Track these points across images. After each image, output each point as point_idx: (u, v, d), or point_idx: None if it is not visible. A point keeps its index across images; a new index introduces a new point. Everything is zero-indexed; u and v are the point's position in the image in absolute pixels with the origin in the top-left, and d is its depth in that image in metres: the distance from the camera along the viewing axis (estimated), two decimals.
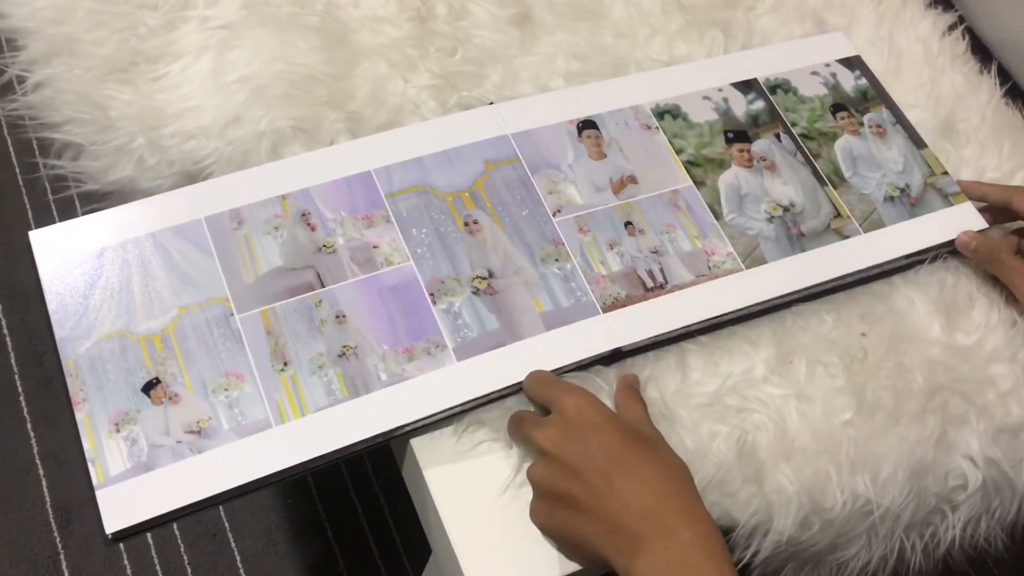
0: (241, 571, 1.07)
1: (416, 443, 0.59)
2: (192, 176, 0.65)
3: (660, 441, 0.56)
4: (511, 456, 0.59)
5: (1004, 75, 0.85)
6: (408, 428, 0.58)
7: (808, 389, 0.63)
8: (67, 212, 1.16)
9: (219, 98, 0.66)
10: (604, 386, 0.61)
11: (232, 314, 0.58)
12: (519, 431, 0.57)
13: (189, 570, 1.06)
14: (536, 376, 0.59)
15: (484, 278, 0.63)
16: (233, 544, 1.08)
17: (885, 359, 0.65)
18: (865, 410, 0.63)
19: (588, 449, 0.53)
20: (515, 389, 0.60)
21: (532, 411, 0.59)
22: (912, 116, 0.79)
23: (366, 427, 0.56)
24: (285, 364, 0.57)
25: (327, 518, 1.12)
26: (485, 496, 0.57)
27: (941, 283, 0.70)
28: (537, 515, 0.55)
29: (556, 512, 0.54)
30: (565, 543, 0.55)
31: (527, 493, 0.57)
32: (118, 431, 0.54)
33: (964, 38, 0.85)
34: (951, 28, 0.86)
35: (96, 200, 0.67)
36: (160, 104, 0.66)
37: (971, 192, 0.73)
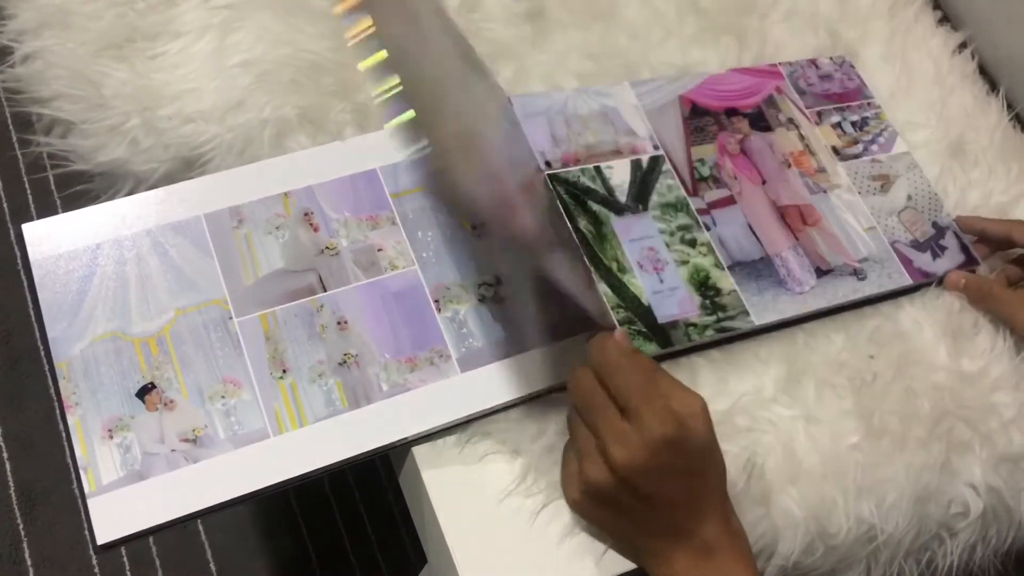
0: (211, 564, 1.04)
1: (418, 452, 0.57)
2: (189, 162, 0.62)
3: (708, 445, 0.52)
4: (515, 468, 0.57)
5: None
6: (409, 440, 0.56)
7: (816, 411, 0.62)
8: (43, 191, 1.11)
9: (220, 81, 0.63)
10: None
11: (231, 317, 0.56)
12: (579, 424, 0.53)
13: (157, 562, 1.03)
14: (620, 358, 0.52)
15: (491, 285, 0.61)
16: (204, 536, 1.05)
17: (893, 383, 0.65)
18: (872, 434, 0.62)
19: (664, 485, 0.51)
20: (519, 402, 0.58)
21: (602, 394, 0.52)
22: (921, 136, 0.78)
23: (366, 440, 0.54)
24: (284, 371, 0.55)
25: (301, 513, 1.09)
26: (488, 509, 0.56)
27: (948, 308, 0.69)
28: (580, 508, 0.54)
29: (604, 514, 0.53)
30: (605, 535, 0.55)
31: (531, 506, 0.56)
32: (111, 438, 0.51)
33: (974, 58, 0.85)
34: (961, 47, 0.85)
35: (84, 181, 0.64)
36: (157, 84, 0.63)
37: (970, 227, 0.73)
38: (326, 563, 1.07)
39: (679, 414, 0.50)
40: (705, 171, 0.70)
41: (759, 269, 0.66)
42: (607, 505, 0.53)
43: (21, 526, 1.02)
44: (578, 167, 0.66)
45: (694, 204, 0.68)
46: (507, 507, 0.56)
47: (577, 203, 0.65)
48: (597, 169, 0.67)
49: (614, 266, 0.63)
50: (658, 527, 0.52)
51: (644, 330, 0.61)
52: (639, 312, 0.61)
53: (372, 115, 0.65)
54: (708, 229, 0.67)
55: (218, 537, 1.05)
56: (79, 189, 0.64)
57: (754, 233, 0.68)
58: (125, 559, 1.02)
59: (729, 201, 0.69)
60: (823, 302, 0.66)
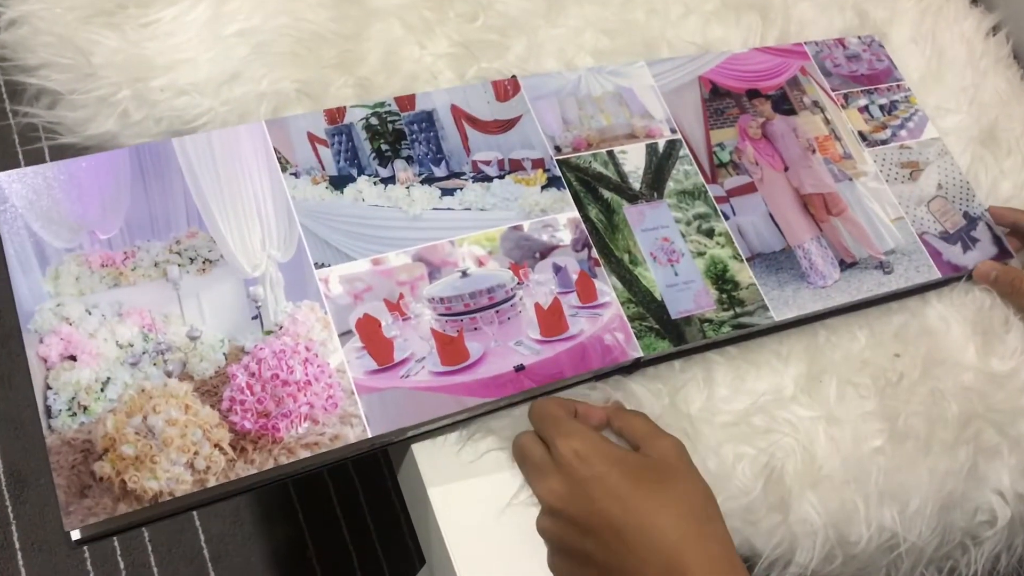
0: (204, 551, 1.01)
1: (417, 449, 0.54)
2: (181, 136, 0.59)
3: (675, 463, 0.50)
4: (517, 468, 0.54)
5: None
6: (409, 434, 0.53)
7: (838, 412, 0.60)
8: (38, 163, 1.07)
9: (216, 51, 0.60)
10: (614, 394, 0.56)
11: None
12: (522, 469, 0.53)
13: (150, 548, 1.00)
14: (538, 409, 0.53)
15: None
16: (198, 522, 1.03)
17: (919, 383, 0.62)
18: (896, 437, 0.59)
19: (594, 503, 0.48)
20: (525, 399, 0.55)
21: (535, 442, 0.53)
22: (952, 122, 0.74)
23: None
24: None
25: (298, 500, 1.07)
26: (489, 510, 0.53)
27: (977, 304, 0.66)
28: (555, 570, 0.51)
29: (574, 569, 0.50)
30: None
31: (533, 509, 0.53)
32: None
33: (1008, 42, 0.81)
34: (994, 30, 0.81)
35: (77, 153, 0.61)
36: (150, 54, 0.59)
37: (1002, 218, 0.70)
38: (323, 551, 1.05)
39: (580, 428, 0.51)
40: (725, 156, 0.66)
41: (780, 261, 0.63)
42: (571, 557, 0.50)
43: (10, 508, 0.99)
44: (590, 152, 0.63)
45: (712, 191, 0.64)
46: (509, 510, 0.53)
47: (588, 190, 0.61)
48: (610, 154, 0.63)
49: (626, 258, 0.60)
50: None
51: (656, 327, 0.57)
52: (651, 307, 0.58)
53: (375, 90, 0.62)
54: (727, 218, 0.63)
55: (213, 523, 1.03)
56: None
57: (775, 223, 0.64)
58: (116, 544, 1.00)
59: (749, 188, 0.65)
60: (847, 297, 0.63)
